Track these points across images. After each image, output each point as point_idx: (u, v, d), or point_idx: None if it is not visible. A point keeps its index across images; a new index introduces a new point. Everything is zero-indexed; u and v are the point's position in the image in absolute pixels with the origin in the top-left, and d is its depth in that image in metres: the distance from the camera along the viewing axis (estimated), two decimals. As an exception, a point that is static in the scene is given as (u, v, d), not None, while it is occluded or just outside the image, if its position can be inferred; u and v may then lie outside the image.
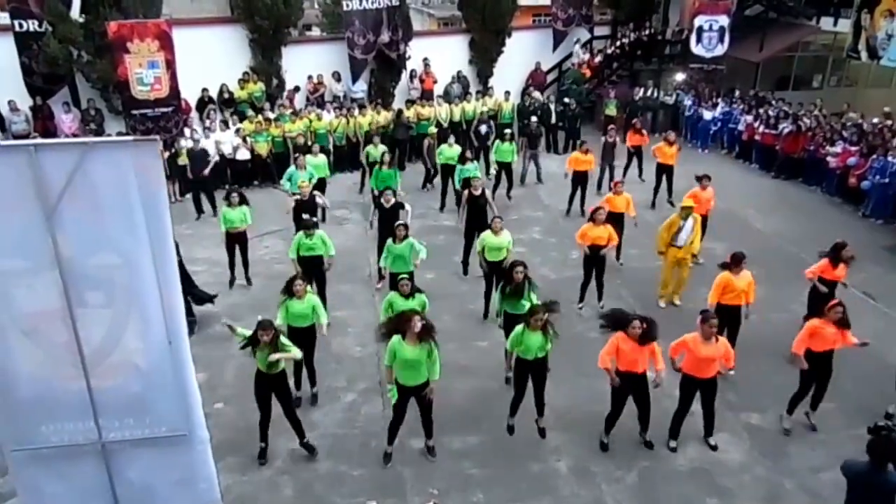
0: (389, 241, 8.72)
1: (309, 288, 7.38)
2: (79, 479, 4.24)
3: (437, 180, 13.74)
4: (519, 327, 6.63)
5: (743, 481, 6.51)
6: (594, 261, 9.24)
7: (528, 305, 7.08)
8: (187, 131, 13.83)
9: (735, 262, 7.83)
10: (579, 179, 12.53)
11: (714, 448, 6.92)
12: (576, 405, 7.51)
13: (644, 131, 14.28)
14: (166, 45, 13.17)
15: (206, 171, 12.97)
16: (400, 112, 15.55)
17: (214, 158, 13.24)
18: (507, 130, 13.82)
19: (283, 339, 6.48)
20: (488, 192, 10.33)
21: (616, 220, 9.89)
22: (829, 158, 13.67)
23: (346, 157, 15.53)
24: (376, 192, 10.89)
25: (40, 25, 13.56)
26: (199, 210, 13.02)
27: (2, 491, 6.35)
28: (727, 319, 7.53)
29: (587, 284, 9.42)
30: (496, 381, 7.91)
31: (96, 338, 3.93)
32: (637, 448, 6.91)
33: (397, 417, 6.59)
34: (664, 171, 12.90)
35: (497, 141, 13.46)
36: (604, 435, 6.94)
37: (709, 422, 6.91)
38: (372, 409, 7.55)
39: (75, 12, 13.80)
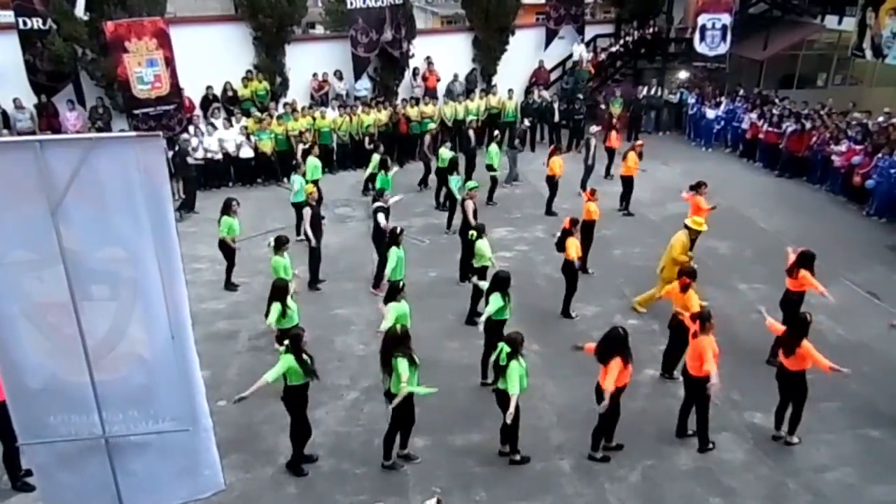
0: None
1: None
2: (87, 471, 4.31)
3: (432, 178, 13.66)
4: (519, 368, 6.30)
5: (746, 480, 6.49)
6: None
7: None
8: (191, 129, 13.83)
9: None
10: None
11: None
12: (578, 404, 7.46)
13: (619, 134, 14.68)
14: (164, 42, 13.19)
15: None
16: (395, 109, 15.58)
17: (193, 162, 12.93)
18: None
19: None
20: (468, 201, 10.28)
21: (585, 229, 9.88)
22: (833, 157, 13.62)
23: (349, 154, 15.55)
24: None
25: (45, 23, 13.57)
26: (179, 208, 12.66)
27: (3, 489, 6.38)
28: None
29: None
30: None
31: (101, 330, 3.97)
32: (640, 447, 6.88)
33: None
34: (624, 180, 12.73)
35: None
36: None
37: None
38: (375, 407, 7.53)
39: (80, 10, 13.82)
